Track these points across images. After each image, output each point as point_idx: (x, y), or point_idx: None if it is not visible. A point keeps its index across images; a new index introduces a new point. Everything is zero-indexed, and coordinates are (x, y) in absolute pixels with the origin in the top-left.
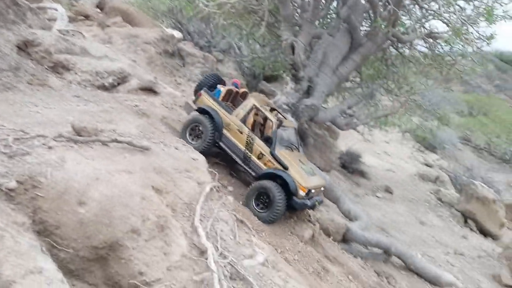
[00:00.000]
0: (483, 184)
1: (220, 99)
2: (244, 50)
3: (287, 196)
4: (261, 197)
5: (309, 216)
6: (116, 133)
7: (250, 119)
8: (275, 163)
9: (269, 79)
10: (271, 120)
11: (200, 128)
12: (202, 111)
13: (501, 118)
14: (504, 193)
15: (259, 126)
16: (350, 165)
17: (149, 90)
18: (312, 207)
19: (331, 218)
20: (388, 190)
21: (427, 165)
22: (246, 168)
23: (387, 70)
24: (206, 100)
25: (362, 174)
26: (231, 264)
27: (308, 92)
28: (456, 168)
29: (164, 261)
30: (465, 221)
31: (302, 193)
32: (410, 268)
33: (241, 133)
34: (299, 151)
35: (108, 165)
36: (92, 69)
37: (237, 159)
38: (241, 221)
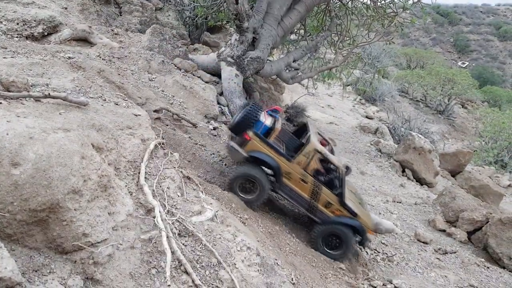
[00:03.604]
0: (419, 135)
1: (270, 138)
2: None
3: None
4: (330, 239)
5: None
6: (50, 87)
7: (312, 165)
8: (344, 211)
9: (213, 29)
10: (336, 166)
11: (255, 183)
12: (255, 159)
13: (436, 71)
14: (438, 143)
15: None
16: (295, 118)
17: (84, 40)
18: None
19: None
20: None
21: (367, 117)
22: (311, 216)
23: (330, 22)
24: (259, 145)
25: None
26: (179, 221)
27: (253, 44)
28: (394, 119)
29: (109, 221)
30: (403, 171)
31: (369, 235)
32: None
33: (305, 182)
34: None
35: (42, 123)
36: (19, 17)
37: (300, 208)
38: (188, 178)
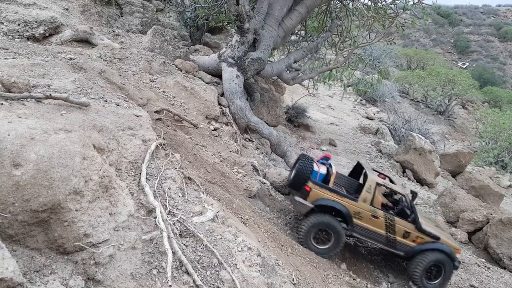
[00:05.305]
0: (420, 136)
1: (329, 184)
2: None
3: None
4: (430, 270)
5: (257, 171)
6: (51, 88)
7: (378, 198)
8: (425, 237)
9: (213, 30)
10: (403, 195)
11: (330, 231)
12: (321, 207)
13: (437, 71)
14: (439, 144)
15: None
16: (296, 119)
17: (85, 41)
18: None
19: (278, 172)
20: (332, 143)
21: (368, 118)
22: (392, 250)
23: (331, 23)
24: (321, 193)
25: (307, 128)
26: (180, 222)
27: (254, 45)
28: (395, 120)
29: (111, 222)
30: (403, 171)
31: (458, 255)
32: None
33: (377, 217)
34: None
35: (43, 124)
36: (20, 18)
37: (378, 245)
38: (189, 179)
